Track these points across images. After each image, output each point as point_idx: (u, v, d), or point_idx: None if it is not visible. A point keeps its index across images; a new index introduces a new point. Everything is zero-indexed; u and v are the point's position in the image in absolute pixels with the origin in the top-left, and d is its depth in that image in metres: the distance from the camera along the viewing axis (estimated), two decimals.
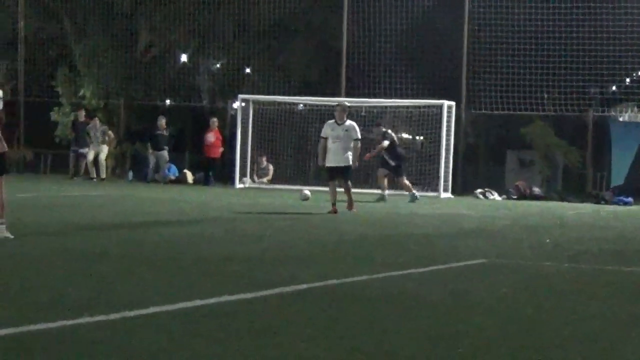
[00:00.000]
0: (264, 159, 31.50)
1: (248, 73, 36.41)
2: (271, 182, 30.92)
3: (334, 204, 17.66)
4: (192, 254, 9.79)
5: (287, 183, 29.71)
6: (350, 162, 17.97)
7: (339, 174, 18.09)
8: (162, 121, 31.24)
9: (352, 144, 17.96)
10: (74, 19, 35.39)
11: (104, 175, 31.05)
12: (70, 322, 5.55)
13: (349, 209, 17.98)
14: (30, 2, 35.67)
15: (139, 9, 35.06)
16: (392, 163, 23.90)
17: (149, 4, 35.02)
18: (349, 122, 18.23)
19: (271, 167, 31.58)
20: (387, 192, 23.79)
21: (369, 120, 30.17)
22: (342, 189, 18.45)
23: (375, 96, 31.29)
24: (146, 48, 35.73)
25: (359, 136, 18.21)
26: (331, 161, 18.00)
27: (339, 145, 17.87)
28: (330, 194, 18.07)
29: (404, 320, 6.21)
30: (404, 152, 25.59)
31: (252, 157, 30.62)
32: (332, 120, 18.27)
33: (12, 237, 10.24)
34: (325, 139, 18.06)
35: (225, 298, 6.65)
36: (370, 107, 31.14)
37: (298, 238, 12.50)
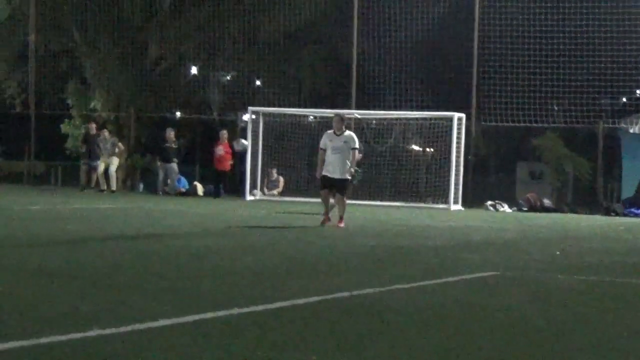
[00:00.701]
0: (275, 171, 31.47)
1: (258, 85, 36.47)
2: (281, 194, 30.90)
3: (326, 213, 17.51)
4: (202, 266, 9.78)
5: (298, 195, 29.68)
6: (348, 175, 17.55)
7: (336, 186, 17.50)
8: (171, 133, 31.27)
9: (350, 154, 17.50)
10: (84, 32, 35.50)
11: (114, 187, 31.11)
12: (80, 334, 5.54)
13: (337, 224, 17.14)
14: (40, 15, 35.79)
15: (150, 22, 35.16)
16: None
17: (160, 17, 35.12)
18: (347, 132, 17.78)
19: (282, 179, 31.55)
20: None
21: (379, 132, 30.18)
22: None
23: (385, 108, 31.29)
24: (156, 60, 35.81)
25: (357, 145, 17.82)
26: (329, 172, 17.48)
27: (339, 157, 17.41)
28: (322, 203, 17.80)
29: (414, 333, 6.20)
30: None
31: (262, 169, 30.62)
32: (331, 131, 17.80)
33: None
34: (324, 150, 17.59)
35: (236, 311, 6.63)
36: (380, 118, 31.15)
37: (308, 250, 12.48)
